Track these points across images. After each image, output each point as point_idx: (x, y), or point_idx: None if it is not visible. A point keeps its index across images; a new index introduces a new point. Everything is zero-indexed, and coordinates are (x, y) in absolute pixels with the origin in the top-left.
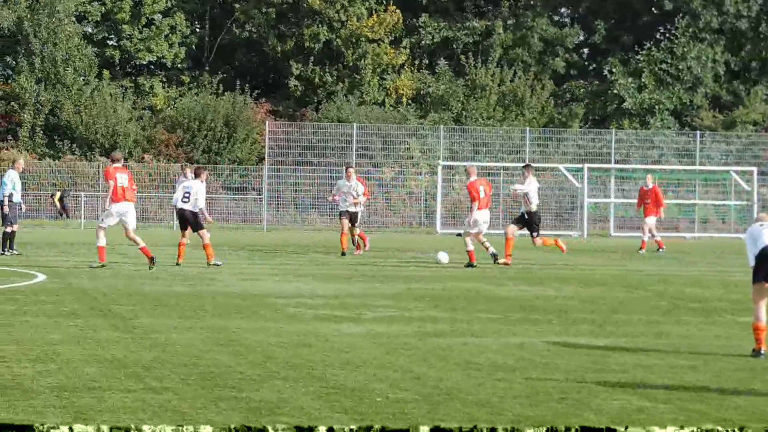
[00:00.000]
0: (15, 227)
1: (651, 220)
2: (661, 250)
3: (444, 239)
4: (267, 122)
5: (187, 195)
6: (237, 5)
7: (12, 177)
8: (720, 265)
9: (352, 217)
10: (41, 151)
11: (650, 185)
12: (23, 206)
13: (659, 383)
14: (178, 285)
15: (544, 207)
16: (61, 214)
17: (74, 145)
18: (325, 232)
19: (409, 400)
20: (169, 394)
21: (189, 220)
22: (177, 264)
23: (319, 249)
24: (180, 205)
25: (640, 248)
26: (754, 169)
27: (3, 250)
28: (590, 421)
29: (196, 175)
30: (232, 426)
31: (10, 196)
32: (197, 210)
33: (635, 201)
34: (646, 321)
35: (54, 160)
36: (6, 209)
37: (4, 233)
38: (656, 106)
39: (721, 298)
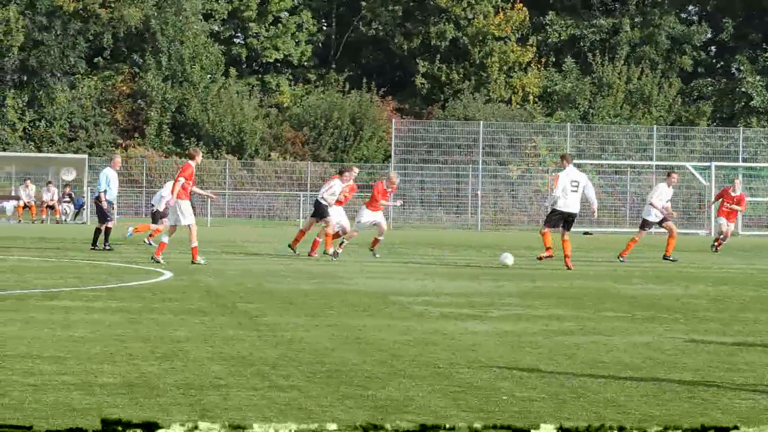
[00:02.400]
0: (110, 224)
1: (723, 221)
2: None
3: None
4: (393, 120)
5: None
6: (364, 3)
7: (108, 174)
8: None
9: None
10: (168, 148)
11: (738, 191)
12: (114, 205)
13: None
14: (305, 283)
15: (672, 205)
16: None
17: (201, 143)
18: (451, 230)
19: (535, 398)
20: (295, 392)
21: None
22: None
23: (446, 246)
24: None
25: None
26: None
27: (95, 245)
28: (718, 420)
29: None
30: (358, 423)
31: (105, 192)
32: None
33: (763, 200)
34: None
35: (180, 158)
36: (104, 204)
37: (97, 230)
38: None
39: None
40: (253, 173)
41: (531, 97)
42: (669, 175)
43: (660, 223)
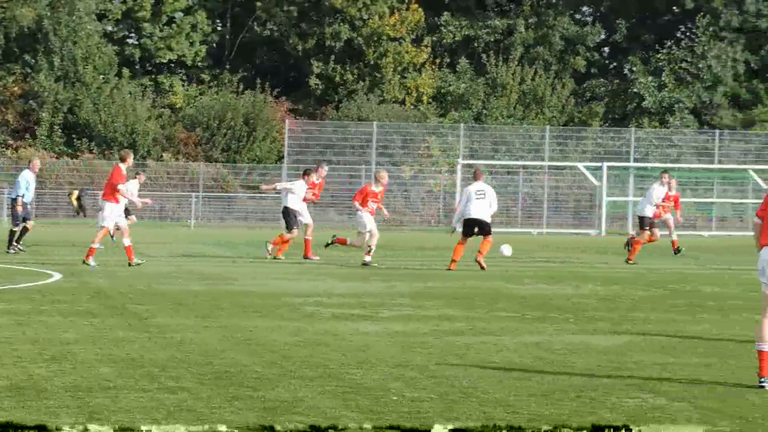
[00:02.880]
0: (28, 224)
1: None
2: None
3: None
4: (287, 121)
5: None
6: (258, 3)
7: (26, 177)
8: (737, 263)
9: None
10: (59, 149)
11: (674, 191)
12: (29, 207)
13: (675, 381)
14: (196, 284)
15: (562, 205)
16: (78, 213)
17: (92, 144)
18: (343, 231)
19: (425, 398)
20: (185, 394)
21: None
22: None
23: (338, 248)
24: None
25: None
26: None
27: (9, 249)
28: (606, 419)
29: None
30: (248, 425)
31: (23, 196)
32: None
33: None
34: (663, 319)
35: (72, 159)
36: (18, 209)
37: (11, 231)
38: (676, 105)
39: (738, 297)
40: (145, 174)
41: (425, 98)
42: (662, 175)
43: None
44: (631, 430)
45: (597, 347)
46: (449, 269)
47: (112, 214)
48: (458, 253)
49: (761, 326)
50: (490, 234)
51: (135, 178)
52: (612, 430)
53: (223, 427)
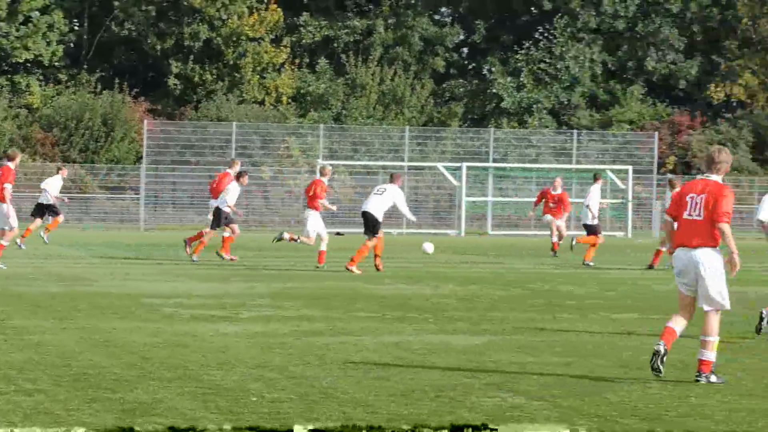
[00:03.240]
0: None
1: (561, 222)
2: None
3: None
4: (145, 121)
5: None
6: (117, 3)
7: None
8: (596, 262)
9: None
10: None
11: (558, 190)
12: None
13: (533, 380)
14: (54, 286)
15: (422, 205)
16: None
17: None
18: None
19: (285, 399)
20: (42, 396)
21: None
22: None
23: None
24: None
25: (553, 249)
26: (629, 167)
27: None
28: (465, 419)
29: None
30: (106, 427)
31: None
32: None
33: (512, 199)
34: (522, 318)
35: None
36: None
37: None
38: (534, 105)
39: (596, 296)
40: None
41: (284, 98)
42: (597, 178)
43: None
44: (490, 429)
45: (456, 347)
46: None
47: (13, 211)
48: (366, 251)
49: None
50: (375, 234)
51: (58, 173)
52: (471, 429)
53: (81, 430)
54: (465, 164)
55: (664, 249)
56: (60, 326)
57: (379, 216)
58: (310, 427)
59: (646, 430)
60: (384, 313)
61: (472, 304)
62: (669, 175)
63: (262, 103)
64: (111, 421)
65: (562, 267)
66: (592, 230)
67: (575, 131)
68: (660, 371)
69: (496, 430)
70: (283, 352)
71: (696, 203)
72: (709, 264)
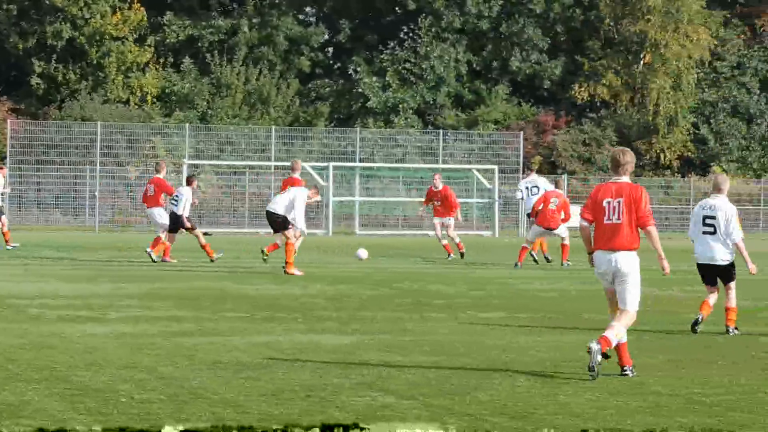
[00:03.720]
0: None
1: (450, 222)
2: (450, 256)
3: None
4: (9, 121)
5: None
6: None
7: None
8: (463, 262)
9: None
10: None
11: (439, 186)
12: None
13: (403, 380)
14: None
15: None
16: None
17: None
18: (67, 232)
19: (154, 400)
20: None
21: None
22: None
23: (63, 249)
24: None
25: (449, 254)
26: (495, 167)
27: None
28: (335, 418)
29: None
30: None
31: None
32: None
33: (380, 199)
34: (391, 318)
35: None
36: None
37: None
38: (400, 105)
39: (464, 295)
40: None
41: (149, 98)
42: (557, 183)
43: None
44: (360, 428)
45: (326, 347)
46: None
47: None
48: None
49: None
50: (284, 230)
51: None
52: (342, 428)
53: None
54: (332, 164)
55: (528, 246)
56: None
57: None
58: (181, 427)
59: (515, 428)
60: (253, 313)
61: (341, 303)
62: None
63: (126, 102)
64: None
65: (430, 266)
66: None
67: (441, 131)
68: (595, 371)
69: (367, 429)
70: (152, 352)
71: (614, 207)
72: (629, 268)
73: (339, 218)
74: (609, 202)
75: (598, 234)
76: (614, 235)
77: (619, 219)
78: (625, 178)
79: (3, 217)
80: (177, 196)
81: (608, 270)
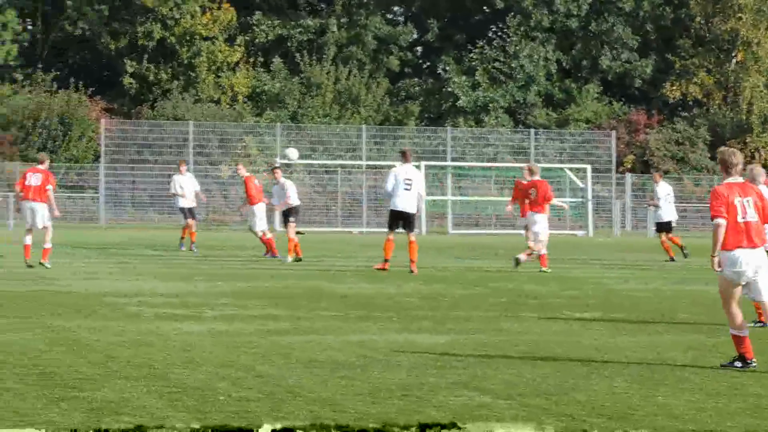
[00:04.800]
0: None
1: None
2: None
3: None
4: (103, 120)
5: None
6: (69, 2)
7: None
8: (557, 261)
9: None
10: None
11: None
12: None
13: (499, 379)
14: (16, 285)
15: (382, 206)
16: None
17: None
18: (163, 230)
19: (251, 398)
20: (9, 395)
21: None
22: None
23: (158, 247)
24: None
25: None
26: (588, 166)
27: None
28: (432, 417)
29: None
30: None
31: None
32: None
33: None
34: (486, 317)
35: None
36: None
37: None
38: (490, 104)
39: (558, 295)
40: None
41: (240, 98)
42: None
43: None
44: (458, 427)
45: (421, 346)
46: (382, 269)
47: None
48: (389, 251)
49: (733, 315)
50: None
51: None
52: (439, 427)
53: (50, 429)
54: (424, 163)
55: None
56: (24, 325)
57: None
58: (279, 426)
59: (613, 429)
60: (348, 312)
61: (435, 302)
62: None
63: (218, 102)
64: (79, 420)
65: (524, 265)
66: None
67: (532, 130)
68: None
69: (465, 428)
70: (249, 351)
71: (744, 206)
72: (765, 262)
73: (432, 217)
74: (740, 201)
75: (733, 233)
76: (754, 233)
77: (753, 217)
78: (740, 179)
79: (190, 219)
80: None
81: (752, 267)
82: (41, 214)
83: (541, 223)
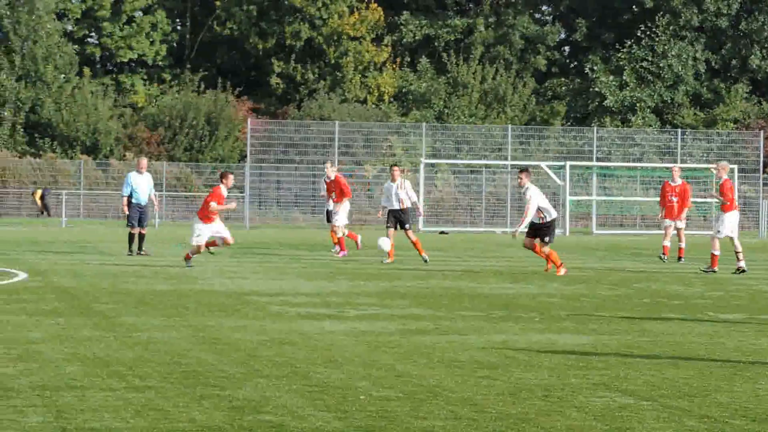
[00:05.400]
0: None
1: (681, 224)
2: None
3: (425, 237)
4: (249, 120)
5: None
6: (218, 2)
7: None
8: (703, 262)
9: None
10: (22, 149)
11: (678, 181)
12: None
13: (642, 381)
14: (161, 283)
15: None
16: (42, 212)
17: (55, 143)
18: (307, 230)
19: (392, 398)
20: (152, 393)
21: None
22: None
23: (302, 247)
24: None
25: (679, 257)
26: (735, 167)
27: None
28: (573, 418)
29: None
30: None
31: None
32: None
33: (617, 198)
34: (629, 318)
35: (35, 158)
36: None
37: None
38: (637, 104)
39: (702, 296)
40: (107, 173)
41: (386, 97)
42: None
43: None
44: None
45: (563, 346)
46: (554, 271)
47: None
48: (555, 257)
49: None
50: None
51: None
52: None
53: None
54: (569, 163)
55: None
56: (168, 324)
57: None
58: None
59: None
60: (489, 311)
61: (578, 303)
62: None
63: (364, 102)
64: (220, 419)
65: (668, 266)
66: None
67: (679, 130)
68: None
69: None
70: (390, 350)
71: None
72: None
73: (576, 218)
74: None
75: None
76: None
77: None
78: None
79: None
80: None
81: None
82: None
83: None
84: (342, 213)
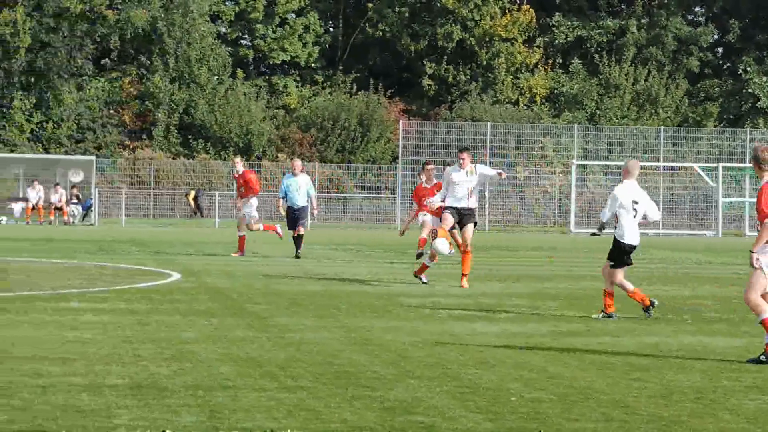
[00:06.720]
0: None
1: None
2: None
3: (577, 239)
4: (401, 121)
5: None
6: (370, 4)
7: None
8: None
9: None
10: (175, 150)
11: None
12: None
13: None
14: (313, 284)
15: (678, 206)
16: (195, 213)
17: (208, 144)
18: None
19: (544, 399)
20: (304, 393)
21: None
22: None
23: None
24: None
25: None
26: None
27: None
28: (725, 420)
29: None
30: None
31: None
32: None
33: None
34: None
35: (188, 159)
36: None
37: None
38: None
39: None
40: (260, 175)
41: (538, 99)
42: None
43: None
44: None
45: (715, 349)
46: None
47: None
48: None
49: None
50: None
51: None
52: None
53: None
54: (721, 165)
55: None
56: (320, 324)
57: None
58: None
59: None
60: (641, 313)
61: (731, 305)
62: None
63: (515, 103)
64: (372, 419)
65: None
66: None
67: None
68: None
69: None
70: (542, 352)
71: None
72: None
73: (728, 219)
74: None
75: None
76: None
77: None
78: None
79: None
80: None
81: None
82: None
83: None
84: (252, 208)
